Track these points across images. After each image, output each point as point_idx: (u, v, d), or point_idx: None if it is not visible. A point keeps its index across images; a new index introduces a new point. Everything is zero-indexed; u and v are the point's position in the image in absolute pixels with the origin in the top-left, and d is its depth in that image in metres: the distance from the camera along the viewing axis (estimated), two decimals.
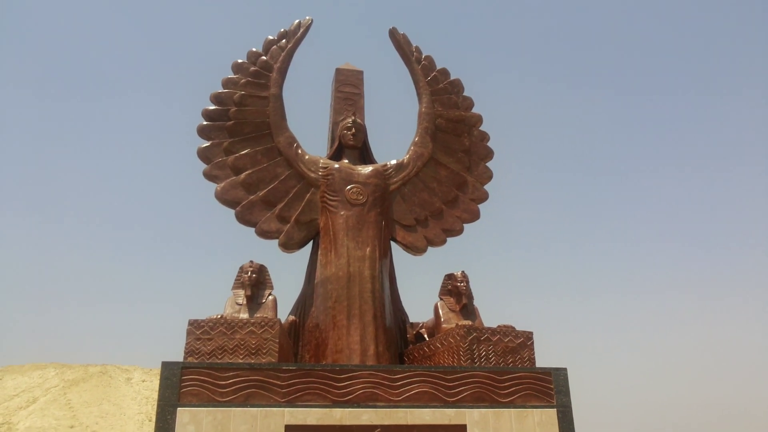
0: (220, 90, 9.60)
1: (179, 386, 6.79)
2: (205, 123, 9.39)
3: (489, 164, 10.43)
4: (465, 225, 10.01)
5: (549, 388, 7.61)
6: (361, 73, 11.01)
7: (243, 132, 9.47)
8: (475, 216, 10.09)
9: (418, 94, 10.53)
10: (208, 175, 9.18)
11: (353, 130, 10.00)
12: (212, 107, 9.48)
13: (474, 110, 10.64)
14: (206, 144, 9.30)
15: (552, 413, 7.47)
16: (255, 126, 9.57)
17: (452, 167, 10.14)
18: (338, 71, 10.93)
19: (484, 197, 10.21)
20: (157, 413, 6.71)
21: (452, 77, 10.74)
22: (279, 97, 9.84)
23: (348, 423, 6.90)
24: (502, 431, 7.22)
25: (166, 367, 6.91)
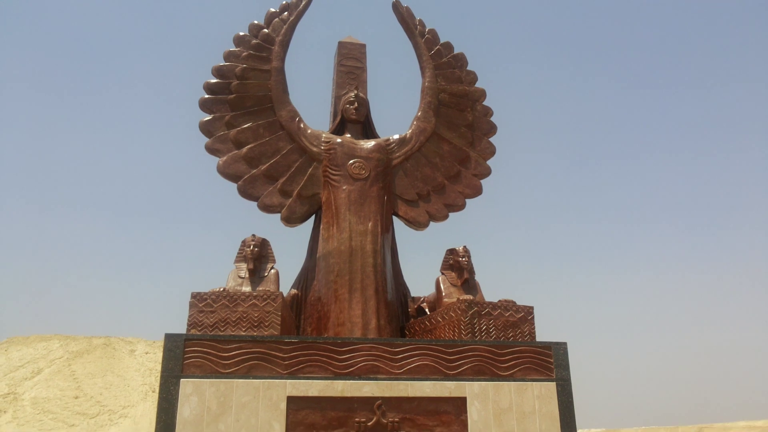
0: (222, 63, 9.53)
1: (182, 358, 6.87)
2: (206, 96, 9.35)
3: (492, 139, 10.39)
4: (467, 200, 10.01)
5: (549, 362, 7.68)
6: (363, 46, 10.91)
7: (245, 105, 9.43)
8: (477, 191, 10.08)
9: (421, 68, 10.44)
10: (210, 149, 9.16)
11: (356, 104, 9.94)
12: (214, 80, 9.42)
13: (477, 85, 10.56)
14: (208, 117, 9.26)
15: (551, 386, 7.56)
16: (257, 99, 9.52)
17: (455, 142, 10.11)
18: (341, 44, 10.83)
19: (486, 172, 10.18)
20: (161, 384, 6.80)
21: (456, 51, 10.63)
22: (281, 71, 9.77)
23: (349, 395, 6.99)
24: (502, 403, 7.31)
25: (169, 338, 6.97)
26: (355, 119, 9.96)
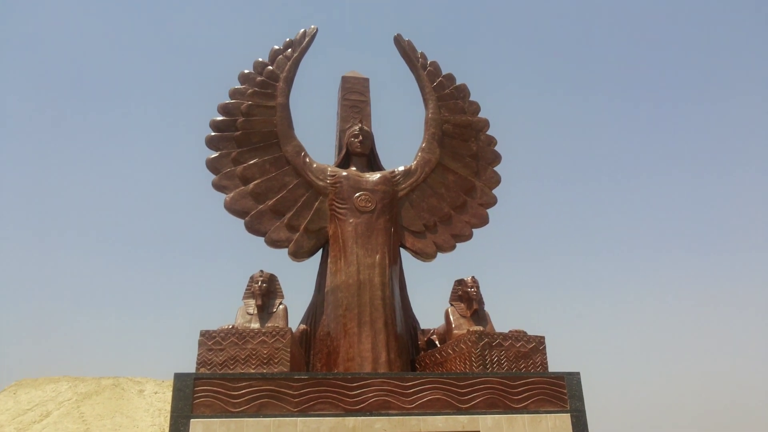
0: (228, 100, 9.65)
1: (192, 397, 6.79)
2: (213, 134, 9.44)
3: (497, 168, 10.42)
4: (474, 230, 9.99)
5: (562, 393, 7.55)
6: (367, 80, 11.04)
7: (251, 142, 9.51)
8: (483, 221, 10.06)
9: (425, 100, 10.54)
10: (217, 186, 9.22)
11: (360, 138, 10.01)
12: (220, 118, 9.53)
13: (480, 115, 10.63)
14: (215, 155, 9.34)
15: (566, 418, 7.41)
16: (263, 135, 9.60)
17: (460, 172, 10.13)
18: (344, 79, 10.96)
19: (492, 202, 10.18)
20: (171, 425, 6.72)
21: (458, 83, 10.73)
22: (286, 107, 9.88)
23: (361, 431, 6.87)
24: None
25: (179, 378, 6.91)
26: (360, 152, 10.02)
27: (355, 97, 10.81)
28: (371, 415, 6.99)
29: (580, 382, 7.68)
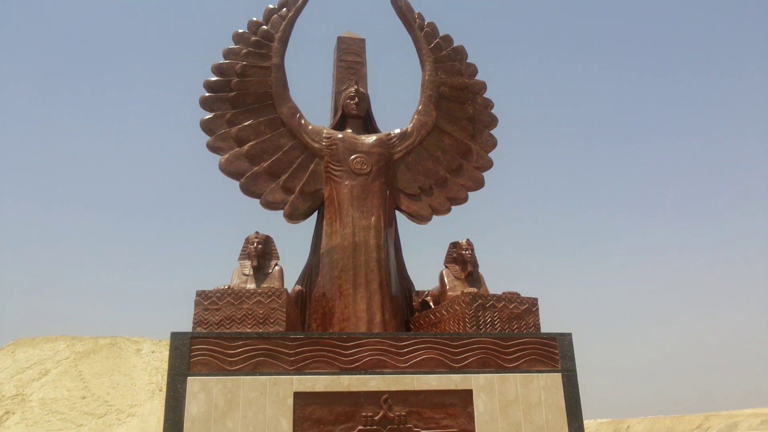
0: (222, 61, 9.53)
1: (189, 356, 6.89)
2: (207, 94, 9.35)
3: (493, 131, 10.38)
4: (470, 193, 10.01)
5: (554, 353, 7.70)
6: (363, 41, 10.89)
7: (245, 103, 9.43)
8: (479, 184, 10.08)
9: (421, 62, 10.43)
10: (212, 147, 9.17)
11: (356, 100, 9.93)
12: (214, 78, 9.42)
13: (477, 77, 10.54)
14: (209, 116, 9.27)
15: (557, 377, 7.58)
16: (257, 97, 9.52)
17: (456, 135, 10.10)
18: (340, 40, 10.82)
19: (488, 165, 10.18)
20: (168, 382, 6.83)
21: (455, 44, 10.61)
22: (281, 67, 9.76)
23: (355, 389, 7.01)
24: (508, 395, 7.33)
25: (176, 337, 7.00)
26: (355, 114, 9.96)
27: (351, 59, 10.68)
28: (366, 373, 7.13)
29: (571, 342, 7.83)
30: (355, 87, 10.06)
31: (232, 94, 9.39)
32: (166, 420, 6.65)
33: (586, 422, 8.76)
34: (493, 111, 10.45)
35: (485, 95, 10.47)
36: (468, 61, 10.58)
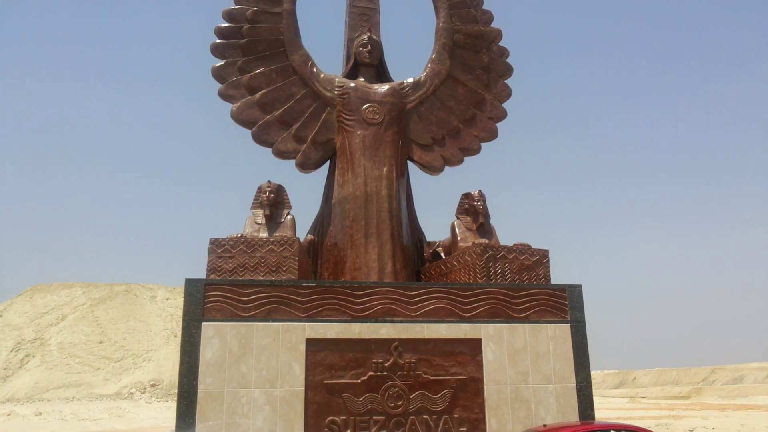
0: (232, 6, 9.35)
1: (203, 302, 7.02)
2: (218, 41, 9.21)
3: (508, 81, 10.19)
4: (482, 144, 9.91)
5: (563, 304, 7.75)
6: None
7: (257, 50, 9.29)
8: (493, 135, 9.97)
9: (436, 8, 10.17)
10: (224, 95, 9.10)
11: (369, 47, 9.76)
12: (225, 24, 9.26)
13: (493, 25, 10.28)
14: (220, 63, 9.16)
15: (566, 328, 7.65)
16: (268, 44, 9.37)
17: (470, 85, 9.93)
18: None
19: (502, 115, 10.03)
20: (183, 327, 6.98)
21: None
22: (292, 13, 9.57)
23: (366, 336, 7.13)
24: (517, 345, 7.43)
25: (190, 284, 7.11)
26: (368, 62, 9.80)
27: (363, 5, 10.44)
28: (376, 321, 7.23)
29: (581, 294, 7.87)
30: (368, 34, 9.88)
31: (243, 41, 9.25)
32: (181, 364, 6.82)
33: (593, 373, 8.91)
34: (508, 60, 10.23)
35: (501, 43, 10.24)
36: (484, 7, 10.31)
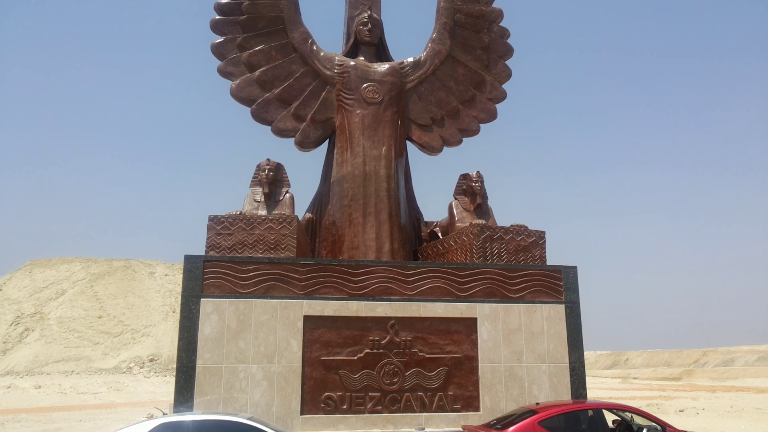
0: None
1: (202, 278, 7.09)
2: (218, 17, 9.18)
3: (508, 62, 10.17)
4: (481, 125, 9.91)
5: (558, 285, 7.84)
6: None
7: (256, 27, 9.26)
8: (492, 116, 9.97)
9: None
10: (223, 72, 9.08)
11: (369, 26, 9.72)
12: (225, 0, 9.21)
13: (494, 5, 10.23)
14: (220, 39, 9.13)
15: (560, 308, 7.75)
16: (268, 20, 9.33)
17: (470, 65, 9.91)
18: None
19: (502, 97, 10.02)
20: (182, 303, 7.06)
21: None
22: None
23: (363, 314, 7.23)
24: (512, 324, 7.53)
25: (189, 260, 7.17)
26: (368, 41, 9.77)
27: None
28: (374, 300, 7.32)
29: (576, 275, 7.96)
30: (369, 12, 9.83)
31: (243, 17, 9.21)
32: (180, 339, 6.92)
33: (586, 353, 9.01)
34: (508, 41, 10.20)
35: (501, 24, 10.20)
36: None
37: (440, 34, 9.89)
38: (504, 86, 10.09)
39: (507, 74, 10.10)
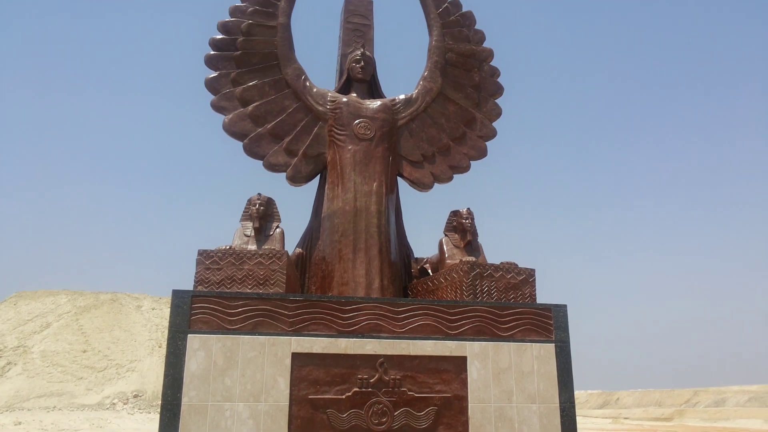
0: (228, 18, 9.42)
1: (189, 314, 6.99)
2: (212, 53, 9.27)
3: (498, 101, 10.31)
4: (472, 162, 9.99)
5: (548, 324, 7.79)
6: (371, 3, 10.74)
7: (250, 62, 9.35)
8: (482, 153, 10.05)
9: (429, 27, 10.30)
10: (216, 106, 9.14)
11: (362, 63, 9.85)
12: (219, 36, 9.32)
13: (485, 45, 10.42)
14: (214, 74, 9.21)
15: (550, 348, 7.69)
16: (263, 56, 9.43)
17: (461, 103, 10.03)
18: (347, 1, 10.66)
19: (492, 134, 10.13)
20: (168, 339, 6.93)
21: (464, 10, 10.46)
22: (287, 27, 9.65)
23: (352, 352, 7.13)
24: (501, 363, 7.45)
25: (177, 295, 7.09)
26: (361, 78, 9.88)
27: (357, 21, 10.55)
28: (363, 337, 7.23)
29: (566, 314, 7.91)
30: (361, 50, 9.97)
31: (238, 53, 9.31)
32: (165, 376, 6.78)
33: (576, 393, 8.94)
34: (499, 79, 10.36)
35: (492, 63, 10.37)
36: (476, 27, 10.45)
37: (432, 72, 10.03)
38: (494, 124, 10.20)
39: (497, 112, 10.23)
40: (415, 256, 9.78)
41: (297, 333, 7.10)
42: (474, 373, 7.36)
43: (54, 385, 33.95)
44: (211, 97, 9.14)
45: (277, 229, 8.47)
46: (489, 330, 7.57)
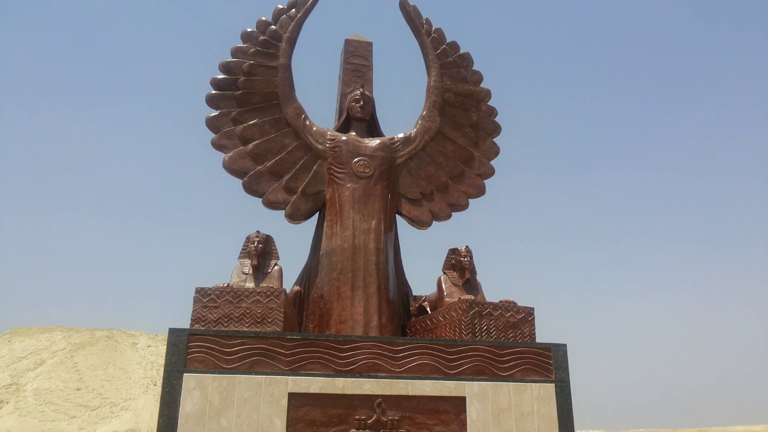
0: (229, 59, 9.57)
1: (186, 353, 6.92)
2: (213, 92, 9.39)
3: (496, 140, 10.42)
4: (470, 200, 10.04)
5: (548, 363, 7.72)
6: (370, 44, 10.94)
7: (251, 102, 9.47)
8: (480, 191, 10.11)
9: (427, 67, 10.47)
10: (216, 145, 9.21)
11: (361, 103, 9.98)
12: (221, 76, 9.47)
13: (482, 85, 10.58)
14: (215, 113, 9.32)
15: (550, 388, 7.59)
16: (263, 96, 9.56)
17: (459, 142, 10.13)
18: (347, 42, 10.86)
19: (490, 173, 10.21)
20: (164, 378, 6.85)
21: (462, 51, 10.65)
22: (288, 68, 9.81)
23: (350, 392, 7.03)
24: (501, 404, 7.35)
25: (173, 333, 7.03)
26: (360, 117, 9.99)
27: (357, 61, 10.73)
28: (361, 376, 7.15)
29: (566, 353, 7.84)
30: (361, 90, 10.11)
31: (239, 92, 9.44)
32: (160, 416, 6.68)
33: None
34: (496, 119, 10.49)
35: (489, 103, 10.52)
36: (474, 68, 10.63)
37: (430, 111, 10.15)
38: (492, 162, 10.29)
39: (495, 151, 10.33)
40: (414, 294, 9.74)
41: (294, 372, 7.02)
42: (473, 413, 7.26)
43: (46, 424, 33.33)
44: (211, 135, 9.24)
45: (276, 267, 8.46)
46: (488, 370, 7.49)
